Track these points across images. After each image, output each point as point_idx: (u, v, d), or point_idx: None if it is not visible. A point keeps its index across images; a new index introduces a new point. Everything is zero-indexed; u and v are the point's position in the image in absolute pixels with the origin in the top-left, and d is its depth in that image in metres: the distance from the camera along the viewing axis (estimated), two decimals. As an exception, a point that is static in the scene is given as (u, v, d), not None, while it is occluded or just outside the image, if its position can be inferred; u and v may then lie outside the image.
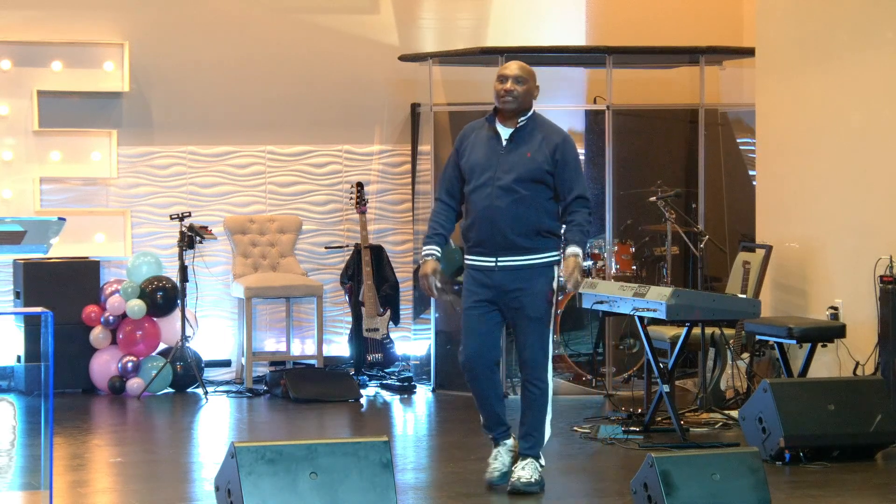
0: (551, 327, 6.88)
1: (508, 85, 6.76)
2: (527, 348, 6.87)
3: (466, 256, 6.92)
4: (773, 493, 6.11)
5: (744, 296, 8.59)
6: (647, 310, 7.91)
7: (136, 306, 9.97)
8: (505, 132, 6.81)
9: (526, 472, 6.84)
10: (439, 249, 6.91)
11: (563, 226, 6.84)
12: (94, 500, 6.92)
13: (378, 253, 10.65)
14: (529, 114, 6.82)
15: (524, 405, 6.95)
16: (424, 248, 6.94)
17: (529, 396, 6.90)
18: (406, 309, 10.94)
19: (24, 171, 10.36)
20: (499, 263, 6.78)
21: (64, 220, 6.24)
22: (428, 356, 10.45)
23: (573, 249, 6.73)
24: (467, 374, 6.95)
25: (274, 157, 10.93)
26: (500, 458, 6.96)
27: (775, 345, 8.89)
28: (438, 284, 6.90)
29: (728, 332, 8.92)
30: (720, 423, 8.52)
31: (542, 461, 6.94)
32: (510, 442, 7.00)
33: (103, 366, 10.02)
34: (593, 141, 11.19)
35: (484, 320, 6.87)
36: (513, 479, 6.84)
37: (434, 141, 10.65)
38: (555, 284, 6.83)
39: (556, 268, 6.83)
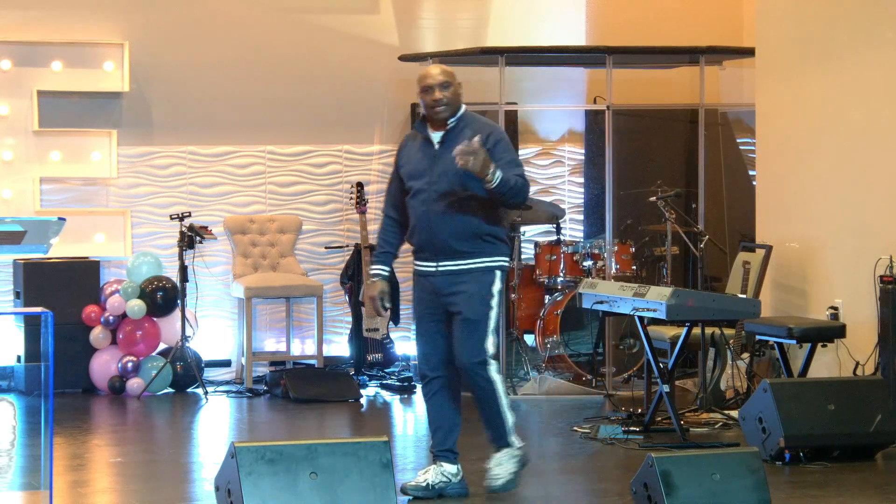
0: (491, 328, 6.72)
1: (436, 94, 6.66)
2: (462, 352, 6.71)
3: (413, 262, 6.86)
4: (773, 493, 6.11)
5: (744, 296, 8.59)
6: (647, 310, 7.91)
7: (136, 306, 9.97)
8: (436, 136, 6.72)
9: (502, 468, 6.77)
10: (387, 269, 6.86)
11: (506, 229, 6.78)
12: (94, 500, 6.92)
13: (378, 253, 10.64)
14: (459, 114, 6.73)
15: (478, 405, 6.85)
16: (372, 267, 6.88)
17: (479, 396, 6.80)
18: (406, 309, 10.92)
19: (24, 171, 10.36)
20: (439, 268, 6.70)
21: (64, 220, 6.24)
22: (428, 356, 10.43)
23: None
24: (426, 387, 6.86)
25: (274, 157, 10.93)
26: (430, 473, 6.80)
27: (775, 345, 8.89)
28: (387, 305, 6.86)
29: (728, 332, 8.92)
30: (720, 423, 8.52)
31: (517, 443, 6.84)
32: (449, 468, 6.82)
33: (103, 366, 10.02)
34: (593, 141, 11.19)
35: (439, 327, 6.78)
36: (489, 476, 6.76)
37: (434, 141, 10.63)
38: (495, 289, 6.71)
39: (497, 272, 6.72)
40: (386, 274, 6.86)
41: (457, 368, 6.81)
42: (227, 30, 10.80)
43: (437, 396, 6.84)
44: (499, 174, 6.47)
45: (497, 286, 6.73)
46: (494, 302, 6.73)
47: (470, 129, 6.68)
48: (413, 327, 6.94)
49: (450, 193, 6.64)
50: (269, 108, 10.89)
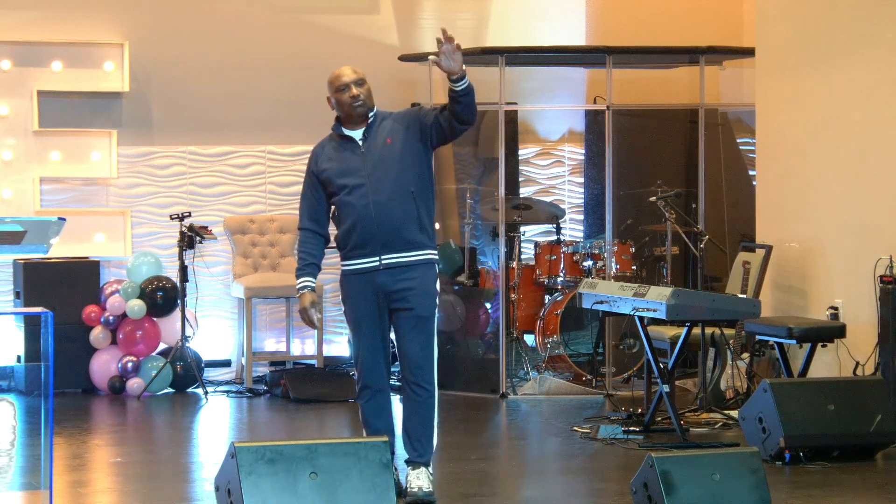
0: (436, 327, 6.66)
1: (353, 91, 6.61)
2: (412, 349, 6.58)
3: (344, 263, 6.70)
4: (773, 493, 6.11)
5: (744, 296, 8.59)
6: (647, 310, 7.91)
7: (136, 306, 9.97)
8: (357, 134, 6.65)
9: (423, 480, 6.55)
10: (314, 281, 6.72)
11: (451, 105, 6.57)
12: (94, 500, 6.92)
13: (378, 253, 10.63)
14: (375, 110, 6.69)
15: (409, 410, 6.62)
16: (299, 280, 6.69)
17: (417, 399, 6.59)
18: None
19: (24, 171, 10.37)
20: (383, 261, 6.57)
21: (64, 220, 6.24)
22: (428, 356, 10.42)
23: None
24: (366, 392, 6.65)
25: (274, 157, 10.93)
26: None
27: (775, 345, 8.89)
28: (318, 316, 6.72)
29: (728, 332, 8.92)
30: (720, 423, 8.52)
31: (432, 470, 6.66)
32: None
33: (103, 366, 10.03)
34: (593, 141, 11.19)
35: (379, 330, 6.64)
36: (413, 490, 6.53)
37: (434, 141, 10.63)
38: (437, 286, 6.65)
39: (436, 266, 6.65)
40: (314, 286, 6.70)
41: (388, 374, 6.72)
42: (227, 30, 10.80)
43: (384, 407, 6.68)
44: (466, 77, 6.46)
45: (438, 282, 6.68)
46: (438, 299, 6.68)
47: (387, 120, 6.67)
48: (353, 328, 6.72)
49: (392, 184, 6.54)
50: (269, 108, 10.89)
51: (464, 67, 6.44)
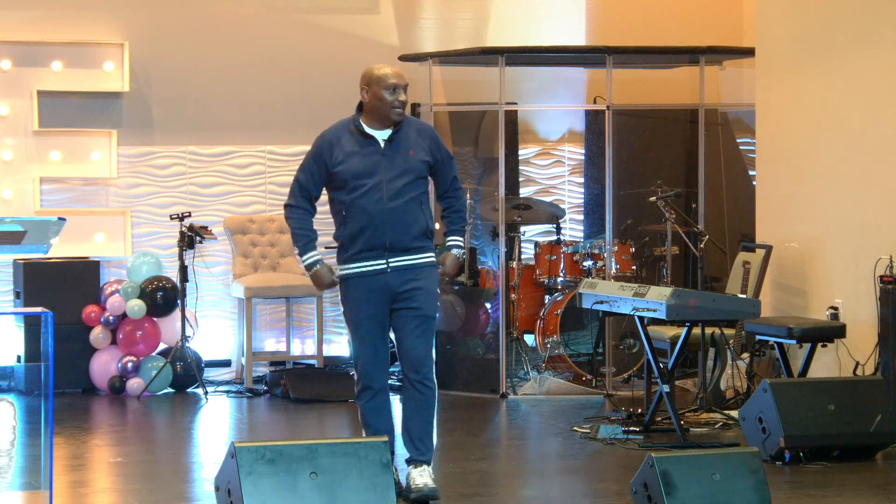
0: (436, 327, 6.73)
1: (402, 96, 6.60)
2: (417, 347, 6.61)
3: (346, 266, 6.67)
4: (773, 493, 6.11)
5: (744, 296, 8.59)
6: (647, 310, 7.91)
7: (136, 306, 9.97)
8: (380, 134, 6.62)
9: (426, 478, 6.58)
10: (319, 253, 6.75)
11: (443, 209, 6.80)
12: (94, 500, 6.92)
13: (378, 253, 10.62)
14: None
15: (410, 408, 6.64)
16: (308, 255, 6.68)
17: (418, 398, 6.62)
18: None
19: (24, 171, 10.37)
20: (390, 264, 6.60)
21: (64, 220, 6.24)
22: (428, 356, 10.42)
23: (455, 240, 6.76)
24: (367, 392, 6.67)
25: (274, 157, 10.93)
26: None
27: (775, 345, 8.89)
28: (336, 280, 6.70)
29: (728, 332, 8.92)
30: (720, 423, 8.53)
31: (432, 469, 6.70)
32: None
33: (103, 366, 10.03)
34: (593, 141, 11.19)
35: (381, 331, 6.68)
36: (417, 486, 6.55)
37: (434, 141, 10.63)
38: (438, 288, 6.75)
39: (437, 269, 6.74)
40: (321, 257, 6.73)
41: (388, 376, 6.77)
42: (227, 30, 10.80)
43: (384, 407, 6.72)
44: (462, 250, 6.78)
45: (438, 283, 6.77)
46: (438, 300, 6.77)
47: (411, 128, 6.68)
48: (354, 329, 6.74)
49: (405, 192, 6.58)
50: (269, 108, 10.89)
51: (464, 254, 6.91)
